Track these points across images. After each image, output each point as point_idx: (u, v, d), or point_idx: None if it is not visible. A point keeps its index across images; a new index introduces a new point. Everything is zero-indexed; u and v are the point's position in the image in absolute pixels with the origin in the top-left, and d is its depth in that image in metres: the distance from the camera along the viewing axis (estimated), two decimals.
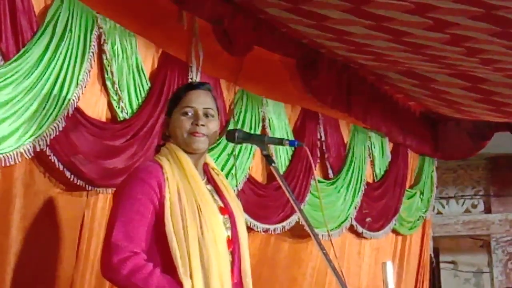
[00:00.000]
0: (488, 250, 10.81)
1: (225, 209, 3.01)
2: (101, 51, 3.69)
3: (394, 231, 6.92)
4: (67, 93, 3.39)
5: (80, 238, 3.59)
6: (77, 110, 3.48)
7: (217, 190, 3.06)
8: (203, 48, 4.34)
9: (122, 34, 3.83)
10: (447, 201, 10.91)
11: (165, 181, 2.89)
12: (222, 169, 4.50)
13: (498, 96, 6.11)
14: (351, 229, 6.17)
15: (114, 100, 3.77)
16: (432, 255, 7.97)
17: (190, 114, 2.99)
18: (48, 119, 3.28)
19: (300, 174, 5.39)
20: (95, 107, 3.70)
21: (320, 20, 4.62)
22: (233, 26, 4.43)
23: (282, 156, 5.29)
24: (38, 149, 3.25)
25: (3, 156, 3.08)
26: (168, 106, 3.08)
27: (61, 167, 3.39)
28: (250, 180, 4.90)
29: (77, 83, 3.46)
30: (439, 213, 10.75)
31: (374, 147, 6.59)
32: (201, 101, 3.01)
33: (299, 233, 5.40)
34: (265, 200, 5.02)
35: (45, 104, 3.27)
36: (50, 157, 3.34)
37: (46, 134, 3.27)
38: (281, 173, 5.13)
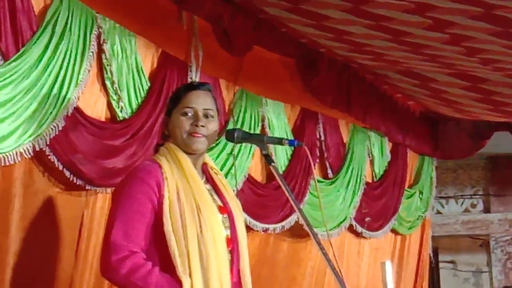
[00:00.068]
0: (487, 250, 10.81)
1: (224, 208, 3.01)
2: (100, 51, 3.69)
3: (393, 230, 6.93)
4: (66, 93, 3.39)
5: (79, 237, 3.59)
6: (77, 109, 3.48)
7: (216, 189, 3.06)
8: (202, 48, 4.34)
9: (122, 34, 3.83)
10: (446, 200, 10.90)
11: (164, 181, 2.89)
12: (221, 169, 4.50)
13: (498, 95, 6.12)
14: (351, 228, 6.17)
15: (114, 99, 3.77)
16: (431, 255, 7.97)
17: (190, 114, 2.99)
18: (47, 118, 3.28)
19: (300, 173, 5.39)
20: (95, 107, 3.70)
21: (319, 20, 4.62)
22: (232, 26, 4.43)
23: (281, 156, 5.29)
24: (37, 149, 3.25)
25: (3, 156, 3.08)
26: (168, 105, 3.08)
27: (60, 167, 3.39)
28: (250, 179, 4.90)
29: (77, 83, 3.46)
30: (438, 212, 10.74)
31: (374, 147, 6.59)
32: (201, 101, 3.01)
33: (298, 232, 5.40)
34: (264, 199, 5.02)
35: (45, 104, 3.27)
36: (49, 157, 3.34)
37: (46, 134, 3.27)
38: (281, 172, 5.14)
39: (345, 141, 6.21)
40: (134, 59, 3.90)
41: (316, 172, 5.76)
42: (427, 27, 4.56)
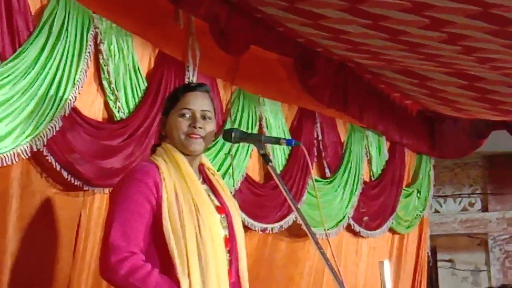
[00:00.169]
0: (485, 249, 10.84)
1: (222, 208, 3.01)
2: (97, 51, 3.69)
3: (391, 230, 6.93)
4: (63, 93, 3.39)
5: (76, 238, 3.59)
6: (74, 110, 3.47)
7: (213, 189, 3.06)
8: (199, 48, 4.34)
9: (119, 34, 3.83)
10: (444, 199, 10.92)
11: (162, 181, 2.89)
12: (219, 169, 4.51)
13: (495, 94, 6.12)
14: (348, 228, 6.17)
15: (111, 100, 3.76)
16: (430, 254, 7.97)
17: (187, 116, 2.99)
18: (45, 119, 3.28)
19: (297, 173, 5.39)
20: (92, 107, 3.70)
21: (316, 19, 4.62)
22: (229, 25, 4.43)
23: (279, 155, 5.29)
24: (35, 149, 3.24)
25: (0, 157, 3.08)
26: (165, 105, 3.08)
27: (58, 167, 3.39)
28: (247, 179, 4.90)
29: (74, 83, 3.46)
30: (436, 211, 10.76)
31: (371, 146, 6.59)
32: (199, 103, 3.01)
33: (296, 232, 5.40)
34: (262, 199, 5.02)
35: (42, 104, 3.27)
36: (47, 157, 3.34)
37: (43, 134, 3.27)
38: (278, 172, 5.14)
39: (342, 140, 6.21)
40: (131, 59, 3.90)
41: (313, 172, 5.76)
42: (424, 26, 4.56)
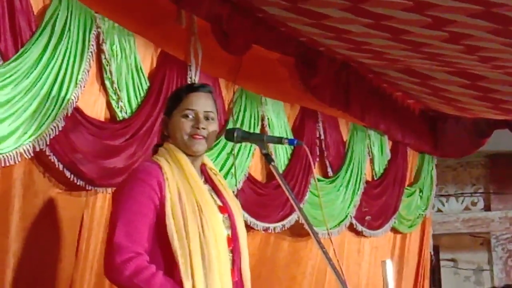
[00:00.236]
0: (488, 248, 10.83)
1: (224, 208, 3.02)
2: (100, 51, 3.69)
3: (393, 229, 6.92)
4: (66, 93, 3.39)
5: (79, 238, 3.59)
6: (77, 109, 3.48)
7: (215, 189, 3.07)
8: (202, 47, 4.34)
9: (121, 34, 3.83)
10: (446, 199, 10.92)
11: (165, 181, 2.90)
12: (221, 168, 4.51)
13: (497, 93, 6.12)
14: (351, 227, 6.17)
15: (113, 99, 3.77)
16: (432, 253, 7.97)
17: (190, 116, 2.99)
18: (47, 119, 3.28)
19: (300, 172, 5.39)
20: (94, 107, 3.70)
21: (318, 19, 4.62)
22: (231, 25, 4.43)
23: (281, 155, 5.29)
24: (37, 149, 3.24)
25: (3, 157, 3.08)
26: (168, 105, 3.08)
27: (61, 167, 3.39)
28: (250, 179, 4.90)
29: (76, 83, 3.46)
30: (439, 211, 10.76)
31: (374, 145, 6.59)
32: (202, 103, 3.01)
33: (298, 231, 5.40)
34: (264, 199, 5.02)
35: (45, 104, 3.27)
36: (49, 157, 3.34)
37: (46, 134, 3.27)
38: (281, 172, 5.14)
39: (345, 139, 6.21)
40: (133, 59, 3.90)
41: (316, 171, 5.76)
42: (426, 25, 4.56)
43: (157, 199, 2.87)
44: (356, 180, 6.18)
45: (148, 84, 4.00)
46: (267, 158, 3.01)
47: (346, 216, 6.03)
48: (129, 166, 3.68)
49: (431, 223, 7.94)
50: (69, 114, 3.40)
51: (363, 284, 6.48)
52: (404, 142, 7.01)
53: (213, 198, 3.01)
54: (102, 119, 3.74)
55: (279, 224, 5.15)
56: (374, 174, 6.61)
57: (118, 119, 3.79)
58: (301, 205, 5.26)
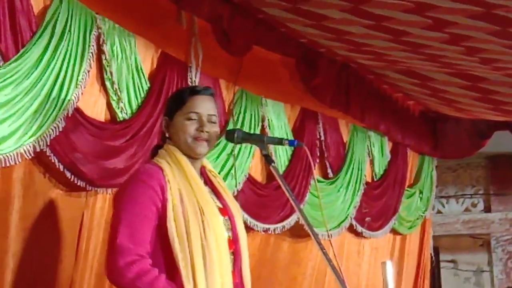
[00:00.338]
0: (488, 249, 10.82)
1: (225, 210, 3.02)
2: (100, 52, 3.69)
3: (393, 230, 6.92)
4: (66, 94, 3.39)
5: (79, 238, 3.59)
6: (77, 110, 3.48)
7: (215, 191, 3.07)
8: (202, 48, 4.34)
9: (121, 34, 3.83)
10: (447, 200, 10.91)
11: (167, 184, 2.89)
12: (221, 169, 4.51)
13: (497, 95, 6.12)
14: (351, 228, 6.17)
15: (114, 100, 3.77)
16: (432, 254, 7.97)
17: (194, 119, 3.00)
18: (48, 119, 3.28)
19: (300, 173, 5.39)
20: (95, 108, 3.70)
21: (319, 20, 4.62)
22: (232, 26, 4.43)
23: (281, 156, 5.29)
24: (38, 150, 3.25)
25: (3, 157, 3.08)
26: (169, 107, 3.07)
27: (61, 168, 3.39)
28: (250, 180, 4.90)
29: (77, 84, 3.46)
30: (439, 212, 10.75)
31: (374, 147, 6.59)
32: (205, 107, 3.02)
33: (298, 232, 5.40)
34: (264, 199, 5.02)
35: (45, 105, 3.28)
36: (50, 158, 3.34)
37: (46, 135, 3.27)
38: (281, 172, 5.14)
39: (345, 140, 6.21)
40: (134, 60, 3.90)
41: (316, 172, 5.76)
42: (426, 26, 4.56)
43: (159, 202, 2.87)
44: (356, 181, 6.18)
45: (148, 84, 4.00)
46: (267, 159, 3.01)
47: (346, 217, 6.03)
48: (129, 166, 3.68)
49: (431, 224, 7.94)
50: (69, 115, 3.40)
51: (363, 285, 6.48)
52: (404, 143, 7.01)
53: (213, 200, 3.02)
54: (103, 119, 3.75)
55: (279, 225, 5.15)
56: (374, 175, 6.61)
57: (118, 119, 3.80)
58: (301, 206, 5.26)
